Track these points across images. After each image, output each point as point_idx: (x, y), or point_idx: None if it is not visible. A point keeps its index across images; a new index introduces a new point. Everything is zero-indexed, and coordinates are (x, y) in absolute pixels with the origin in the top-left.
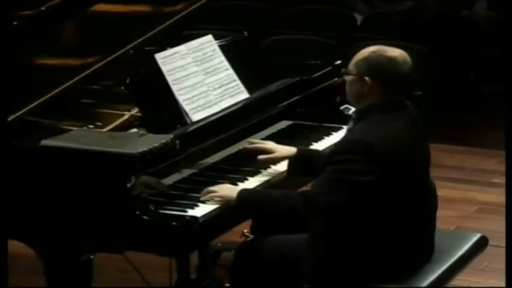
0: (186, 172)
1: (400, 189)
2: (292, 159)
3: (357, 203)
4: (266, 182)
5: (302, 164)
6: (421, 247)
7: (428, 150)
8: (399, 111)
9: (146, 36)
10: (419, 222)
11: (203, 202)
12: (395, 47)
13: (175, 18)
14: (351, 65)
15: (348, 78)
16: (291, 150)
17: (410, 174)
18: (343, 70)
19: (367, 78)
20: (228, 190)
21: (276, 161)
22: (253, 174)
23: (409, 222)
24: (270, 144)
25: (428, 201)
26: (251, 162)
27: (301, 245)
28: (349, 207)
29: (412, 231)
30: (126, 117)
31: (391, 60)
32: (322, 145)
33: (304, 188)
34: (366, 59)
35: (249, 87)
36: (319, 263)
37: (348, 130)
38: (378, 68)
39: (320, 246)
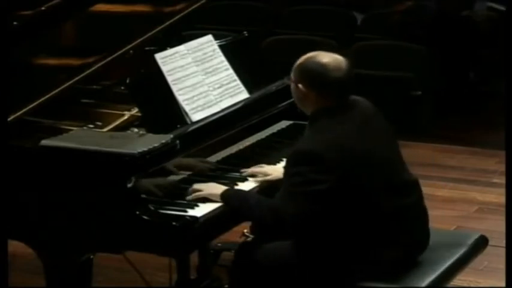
0: (186, 172)
1: (363, 189)
2: None
3: (318, 211)
4: (265, 182)
5: None
6: (411, 237)
7: (394, 146)
8: (345, 114)
9: (146, 36)
10: (398, 216)
11: (203, 202)
12: (395, 47)
13: (175, 18)
14: (292, 71)
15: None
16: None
17: (372, 172)
18: (286, 77)
19: (300, 86)
20: (213, 189)
21: (272, 183)
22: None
23: (385, 217)
24: (262, 168)
25: (408, 194)
26: (251, 162)
27: (292, 251)
28: (312, 217)
29: (393, 226)
30: (126, 117)
31: (322, 66)
32: None
33: None
34: (299, 66)
35: (249, 87)
36: (304, 268)
37: (300, 138)
38: (309, 74)
39: (299, 254)
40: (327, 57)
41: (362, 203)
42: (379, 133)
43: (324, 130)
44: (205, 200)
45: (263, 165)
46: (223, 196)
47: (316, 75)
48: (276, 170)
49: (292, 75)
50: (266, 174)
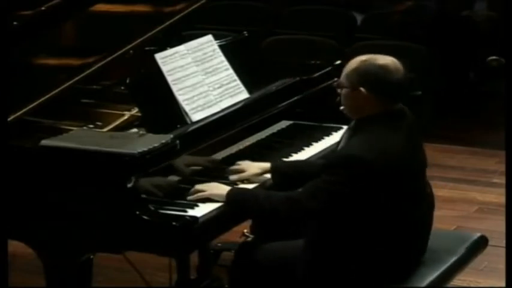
0: (195, 167)
1: (392, 199)
2: (269, 175)
3: (341, 212)
4: (265, 182)
5: (277, 178)
6: (415, 249)
7: (424, 154)
8: (397, 121)
9: (146, 36)
10: (413, 226)
11: (203, 202)
12: (395, 47)
13: (175, 18)
14: (343, 77)
15: (342, 90)
16: (261, 167)
17: (404, 184)
18: (335, 83)
19: (361, 89)
20: (216, 189)
21: (247, 178)
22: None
23: (401, 226)
24: (243, 165)
25: (423, 206)
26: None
27: (300, 250)
28: (331, 216)
29: (406, 236)
30: (126, 117)
31: (383, 68)
32: (322, 145)
33: None
34: (357, 69)
35: (249, 87)
36: (312, 267)
37: (346, 142)
38: (371, 77)
39: (310, 251)
40: (383, 60)
41: (384, 211)
42: (419, 145)
43: (376, 137)
44: (206, 200)
45: (239, 162)
46: (229, 195)
47: (379, 77)
48: (253, 166)
49: (345, 80)
50: (243, 170)
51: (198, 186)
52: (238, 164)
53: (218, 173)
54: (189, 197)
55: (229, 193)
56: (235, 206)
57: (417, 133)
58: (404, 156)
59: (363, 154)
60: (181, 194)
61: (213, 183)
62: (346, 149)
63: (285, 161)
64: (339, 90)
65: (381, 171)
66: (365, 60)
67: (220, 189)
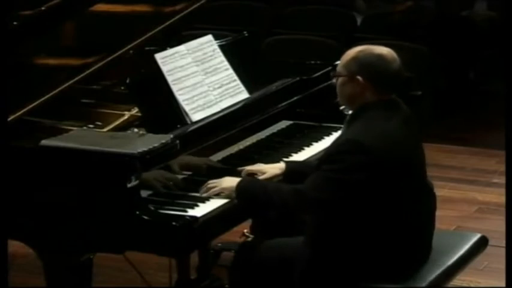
0: (187, 172)
1: (394, 188)
2: (282, 176)
3: (346, 202)
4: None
5: (293, 179)
6: (418, 247)
7: (423, 151)
8: (393, 110)
9: (146, 36)
10: (415, 221)
11: (203, 202)
12: (395, 47)
13: (175, 18)
14: (340, 67)
15: (338, 80)
16: (279, 168)
17: (405, 173)
18: (332, 73)
19: (359, 78)
20: (228, 182)
21: (269, 179)
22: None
23: (404, 221)
24: (259, 167)
25: (426, 201)
26: (251, 162)
27: (300, 247)
28: (337, 206)
29: (408, 231)
30: (126, 117)
31: (381, 57)
32: (322, 145)
33: None
34: (355, 59)
35: (249, 87)
36: (312, 264)
37: (344, 131)
38: (369, 66)
39: (310, 248)
40: (380, 49)
41: (390, 201)
42: (416, 136)
43: (373, 123)
44: (205, 199)
45: (259, 164)
46: (239, 186)
47: (376, 66)
48: (272, 168)
49: (342, 70)
50: (262, 172)
51: (211, 182)
52: (253, 167)
53: (215, 173)
54: (204, 194)
55: (239, 184)
56: (245, 196)
57: (413, 124)
58: (401, 142)
59: (360, 138)
60: (182, 194)
61: (226, 177)
62: (343, 136)
63: (298, 161)
64: (334, 80)
65: (379, 155)
66: (362, 50)
67: (231, 182)
